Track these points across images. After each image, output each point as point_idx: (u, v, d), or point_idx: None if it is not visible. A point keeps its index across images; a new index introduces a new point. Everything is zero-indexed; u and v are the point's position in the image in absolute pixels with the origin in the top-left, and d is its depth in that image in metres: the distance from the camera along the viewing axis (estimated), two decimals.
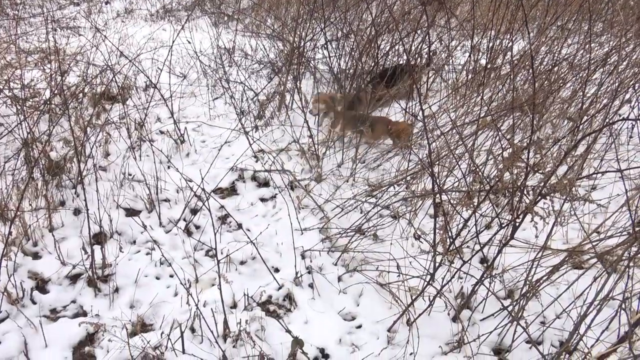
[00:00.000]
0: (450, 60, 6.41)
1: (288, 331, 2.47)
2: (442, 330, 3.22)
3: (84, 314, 3.34)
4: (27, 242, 3.76)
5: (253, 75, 6.82)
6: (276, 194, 4.57)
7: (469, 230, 3.19)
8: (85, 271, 3.52)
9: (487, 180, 2.91)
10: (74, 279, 3.56)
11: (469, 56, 5.91)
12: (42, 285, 3.51)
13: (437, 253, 3.08)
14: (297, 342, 2.44)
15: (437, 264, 3.08)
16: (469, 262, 3.09)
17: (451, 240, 2.84)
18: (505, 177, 2.88)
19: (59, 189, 4.27)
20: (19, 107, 4.94)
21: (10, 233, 3.46)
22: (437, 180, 3.10)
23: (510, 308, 3.03)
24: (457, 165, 3.36)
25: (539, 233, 2.70)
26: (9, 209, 3.75)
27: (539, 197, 2.46)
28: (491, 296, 3.26)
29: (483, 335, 3.05)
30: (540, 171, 2.60)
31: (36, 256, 3.72)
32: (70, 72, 5.37)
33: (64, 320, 3.28)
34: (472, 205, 2.89)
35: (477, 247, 3.05)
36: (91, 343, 3.15)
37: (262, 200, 4.56)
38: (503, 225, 2.82)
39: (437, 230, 3.12)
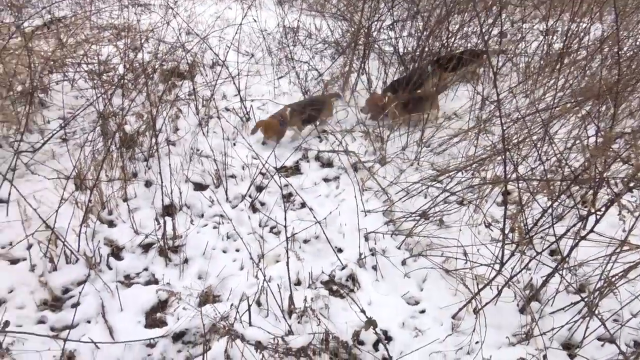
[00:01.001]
0: (522, 44, 6.17)
1: (363, 311, 2.49)
2: (509, 321, 3.16)
3: (156, 282, 3.48)
4: (104, 210, 3.93)
5: (317, 55, 6.80)
6: (339, 175, 4.58)
7: (543, 221, 3.09)
8: (157, 241, 3.65)
9: (572, 169, 2.79)
10: (146, 247, 3.70)
11: (544, 39, 5.66)
12: (117, 252, 3.67)
13: (508, 242, 3.00)
14: (371, 323, 2.45)
15: (508, 253, 3.00)
16: (540, 253, 3.01)
17: (527, 229, 2.76)
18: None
19: (132, 162, 4.43)
20: (95, 81, 5.14)
21: (89, 201, 3.63)
22: (514, 167, 3.01)
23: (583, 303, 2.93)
24: (537, 153, 3.25)
25: (626, 227, 2.58)
26: (87, 178, 3.92)
27: (626, 190, 2.34)
28: (561, 289, 3.16)
29: (554, 328, 2.96)
30: (631, 162, 2.47)
31: (111, 224, 3.88)
32: (142, 49, 5.51)
33: (137, 287, 3.43)
34: (552, 195, 2.79)
35: (548, 238, 2.96)
36: (162, 310, 3.28)
37: (326, 180, 4.57)
38: (583, 217, 2.71)
39: (507, 219, 3.04)
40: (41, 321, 3.12)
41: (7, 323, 2.80)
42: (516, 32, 6.23)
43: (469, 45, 6.12)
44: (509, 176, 3.14)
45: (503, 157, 2.97)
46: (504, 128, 2.99)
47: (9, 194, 3.72)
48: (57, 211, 3.51)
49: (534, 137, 3.39)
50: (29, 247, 3.42)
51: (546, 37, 5.61)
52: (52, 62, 5.36)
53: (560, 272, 2.97)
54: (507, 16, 6.27)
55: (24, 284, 3.28)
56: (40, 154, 4.33)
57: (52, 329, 3.08)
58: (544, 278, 3.13)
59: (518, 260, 3.15)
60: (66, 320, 3.10)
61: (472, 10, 5.67)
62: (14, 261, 3.46)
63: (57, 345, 2.86)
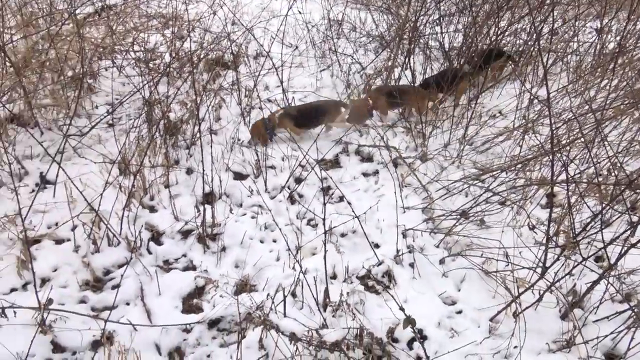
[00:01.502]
0: (574, 42, 5.96)
1: (402, 309, 2.45)
2: (549, 327, 3.06)
3: (194, 268, 3.53)
4: (146, 196, 4.00)
5: (361, 49, 6.75)
6: (379, 170, 4.53)
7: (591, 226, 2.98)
8: (196, 228, 3.70)
9: (626, 173, 2.68)
10: (185, 234, 3.76)
11: (597, 37, 5.45)
12: (157, 237, 3.74)
13: (553, 246, 2.91)
14: (410, 321, 2.41)
15: (552, 258, 2.90)
16: (587, 259, 2.90)
17: (574, 234, 2.67)
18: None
19: (174, 149, 4.50)
20: (142, 69, 5.24)
21: (133, 186, 3.71)
22: (564, 168, 2.91)
23: (629, 312, 2.81)
24: (589, 154, 3.12)
25: None
26: (131, 164, 4.00)
27: None
28: (606, 298, 3.05)
29: (598, 337, 2.86)
30: None
31: (153, 210, 3.96)
32: (188, 38, 5.59)
33: (176, 272, 3.48)
34: (604, 199, 2.68)
35: (595, 244, 2.86)
36: (199, 296, 3.33)
37: (365, 175, 4.54)
38: (633, 224, 2.60)
39: (552, 222, 2.95)
40: (82, 301, 3.21)
41: (50, 301, 2.89)
42: (568, 30, 6.03)
43: (518, 42, 5.95)
44: (556, 178, 3.04)
45: (551, 157, 2.87)
46: (553, 128, 2.89)
47: (57, 175, 3.83)
48: (101, 194, 3.60)
49: (585, 139, 3.26)
50: (74, 228, 3.52)
51: (600, 35, 5.40)
52: (101, 49, 5.50)
53: (607, 279, 2.85)
54: (559, 14, 6.07)
55: (67, 264, 3.38)
56: (87, 138, 4.46)
57: (93, 309, 3.16)
58: (588, 285, 3.02)
59: (562, 265, 3.05)
60: (106, 301, 3.18)
61: (524, 6, 5.51)
62: (59, 241, 3.57)
63: (97, 325, 2.93)
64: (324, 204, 3.30)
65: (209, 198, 4.00)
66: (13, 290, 3.21)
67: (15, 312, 2.85)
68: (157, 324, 3.04)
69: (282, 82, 5.38)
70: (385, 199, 4.10)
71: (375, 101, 5.01)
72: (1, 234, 3.49)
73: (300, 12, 6.96)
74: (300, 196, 4.23)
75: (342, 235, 3.83)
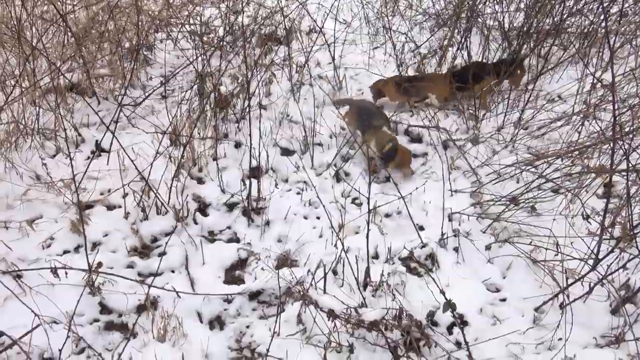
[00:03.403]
0: None
1: (442, 292, 2.41)
2: (598, 322, 2.95)
3: (237, 241, 3.58)
4: (194, 167, 4.08)
5: (416, 27, 6.58)
6: (427, 151, 4.44)
7: None
8: (242, 201, 3.74)
9: None
10: (230, 207, 3.81)
11: None
12: (203, 208, 3.81)
13: (608, 237, 2.77)
14: (450, 305, 2.36)
15: (605, 250, 2.77)
16: None
17: (632, 226, 2.53)
18: None
19: (224, 122, 4.54)
20: (196, 42, 5.30)
21: (182, 157, 3.78)
22: (626, 156, 2.75)
23: None
24: None
25: None
26: (182, 135, 4.08)
27: None
28: None
29: None
30: None
31: (200, 181, 4.03)
32: (242, 12, 5.59)
33: (220, 243, 3.56)
34: None
35: None
36: (241, 268, 3.39)
37: (413, 156, 4.44)
38: None
39: (608, 212, 2.81)
40: (130, 266, 3.32)
41: (100, 264, 3.01)
42: (638, 10, 5.65)
43: (584, 22, 5.63)
44: (616, 167, 2.88)
45: (612, 145, 2.72)
46: (616, 114, 2.73)
47: (111, 144, 3.96)
48: (151, 164, 3.69)
49: None
50: (125, 195, 3.63)
51: None
52: (158, 22, 5.58)
53: None
54: None
55: (117, 230, 3.50)
56: (141, 109, 4.57)
57: (139, 275, 3.28)
58: None
59: (616, 258, 2.90)
60: (152, 267, 3.28)
61: None
62: (110, 207, 3.70)
63: (142, 290, 3.03)
64: (369, 183, 3.26)
65: (255, 172, 4.02)
66: (66, 252, 3.36)
67: (66, 273, 2.98)
68: (199, 293, 3.12)
69: (333, 59, 5.32)
70: (433, 181, 4.02)
71: (383, 88, 4.89)
72: (57, 198, 3.64)
73: None
74: (347, 174, 4.20)
75: (387, 215, 3.79)
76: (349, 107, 4.61)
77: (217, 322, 3.05)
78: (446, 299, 2.41)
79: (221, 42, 5.21)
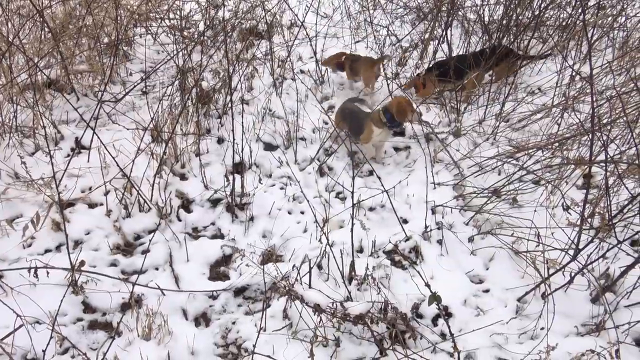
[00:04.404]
0: (621, 17, 5.67)
1: (427, 285, 2.42)
2: (579, 310, 3.00)
3: (222, 237, 3.57)
4: (177, 163, 4.05)
5: (397, 20, 6.59)
6: (410, 145, 4.46)
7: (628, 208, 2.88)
8: (226, 197, 3.73)
9: None
10: (214, 203, 3.79)
11: None
12: (186, 204, 3.79)
13: (588, 227, 2.82)
14: (435, 298, 2.38)
15: (585, 240, 2.82)
16: (623, 242, 2.81)
17: (610, 216, 2.57)
18: None
19: (206, 118, 4.51)
20: (176, 37, 5.25)
21: (164, 153, 3.75)
22: (604, 148, 2.80)
23: None
24: (632, 135, 3.00)
25: None
26: (163, 131, 4.04)
27: None
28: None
29: (629, 323, 2.78)
30: None
31: (183, 177, 4.00)
32: (223, 6, 5.55)
33: (204, 240, 3.54)
34: None
35: (632, 227, 2.76)
36: (226, 264, 3.38)
37: (396, 149, 4.48)
38: None
39: (588, 203, 2.85)
40: (113, 264, 3.29)
41: (82, 263, 2.97)
42: (615, 3, 5.74)
43: (561, 16, 5.70)
44: (595, 158, 2.93)
45: (590, 136, 2.76)
46: (595, 106, 2.77)
47: (91, 141, 3.89)
48: (133, 161, 3.65)
49: (627, 118, 3.13)
50: (106, 193, 3.59)
51: None
52: (137, 16, 5.50)
53: None
54: None
55: (99, 228, 3.46)
56: (121, 105, 4.51)
57: (123, 273, 3.25)
58: (622, 269, 2.93)
59: (596, 248, 2.96)
60: (136, 265, 3.25)
61: None
62: (92, 205, 3.66)
63: (126, 288, 3.01)
64: (353, 177, 3.27)
65: (238, 168, 4.01)
66: (47, 251, 3.32)
67: (48, 272, 2.94)
68: (184, 290, 3.10)
69: (315, 53, 5.31)
70: (416, 174, 4.04)
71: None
72: (37, 196, 3.59)
73: None
74: (330, 169, 4.20)
75: (371, 209, 3.81)
76: (336, 112, 4.56)
77: (202, 319, 3.04)
78: (431, 291, 2.43)
79: (202, 37, 5.16)
